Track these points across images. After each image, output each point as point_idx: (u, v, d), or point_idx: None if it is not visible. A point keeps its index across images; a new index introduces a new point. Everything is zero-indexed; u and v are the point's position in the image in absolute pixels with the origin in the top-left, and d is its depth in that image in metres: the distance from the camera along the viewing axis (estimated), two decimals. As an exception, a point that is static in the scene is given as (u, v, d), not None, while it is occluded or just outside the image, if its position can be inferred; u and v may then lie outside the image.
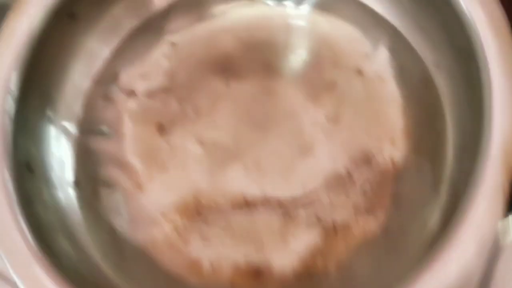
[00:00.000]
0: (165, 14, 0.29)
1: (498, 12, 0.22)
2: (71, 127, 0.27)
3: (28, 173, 0.24)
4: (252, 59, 0.29)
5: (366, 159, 0.26)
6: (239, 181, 0.26)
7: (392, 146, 0.26)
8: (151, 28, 0.29)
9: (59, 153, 0.26)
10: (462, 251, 0.19)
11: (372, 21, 0.28)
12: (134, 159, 0.27)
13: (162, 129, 0.27)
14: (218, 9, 0.29)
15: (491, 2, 0.22)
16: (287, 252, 0.25)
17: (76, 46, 0.27)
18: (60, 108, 0.26)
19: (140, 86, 0.28)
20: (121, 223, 0.26)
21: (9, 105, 0.23)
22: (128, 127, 0.27)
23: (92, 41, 0.28)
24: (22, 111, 0.24)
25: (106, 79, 0.28)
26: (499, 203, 0.19)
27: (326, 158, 0.26)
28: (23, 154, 0.24)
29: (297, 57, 0.29)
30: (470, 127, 0.23)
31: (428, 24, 0.26)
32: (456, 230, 0.19)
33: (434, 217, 0.24)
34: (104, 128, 0.27)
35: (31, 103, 0.24)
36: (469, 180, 0.21)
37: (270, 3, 0.29)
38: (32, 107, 0.25)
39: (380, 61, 0.28)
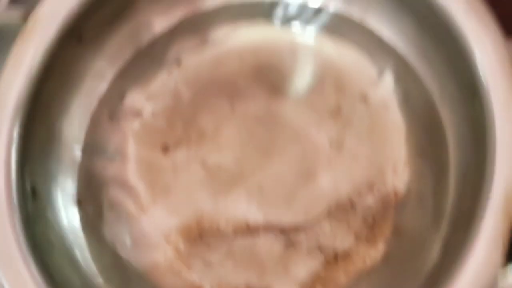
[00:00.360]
0: (170, 36, 0.29)
1: (505, 53, 0.22)
2: (76, 149, 0.27)
3: (32, 196, 0.24)
4: (257, 82, 0.29)
5: (368, 187, 0.26)
6: (241, 206, 0.27)
7: (395, 175, 0.26)
8: (156, 50, 0.29)
9: (63, 174, 0.26)
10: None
11: (379, 47, 0.28)
12: (137, 181, 0.27)
13: (166, 151, 0.28)
14: (223, 31, 0.29)
15: (498, 41, 0.22)
16: (288, 279, 0.25)
17: (83, 68, 0.27)
18: (66, 130, 0.27)
19: (145, 107, 0.28)
20: (124, 246, 0.26)
21: (16, 131, 0.23)
22: (132, 149, 0.28)
23: (99, 62, 0.28)
24: (28, 135, 0.24)
25: (112, 100, 0.28)
26: (498, 252, 0.19)
27: (329, 185, 0.26)
28: (28, 180, 0.24)
29: (302, 81, 0.29)
30: (472, 166, 0.23)
31: (434, 54, 0.26)
32: (453, 276, 0.19)
33: (434, 249, 0.24)
34: (109, 149, 0.27)
35: (37, 127, 0.25)
36: (469, 224, 0.21)
37: (277, 23, 0.29)
38: (38, 131, 0.25)
39: (385, 87, 0.28)
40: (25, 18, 0.24)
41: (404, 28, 0.27)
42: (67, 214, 0.26)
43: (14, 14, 0.25)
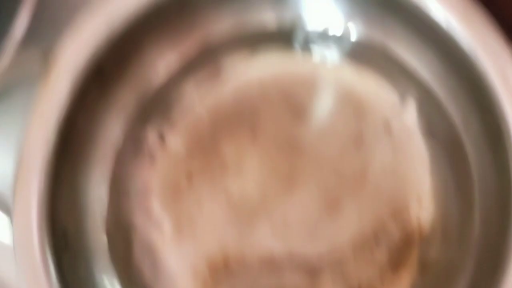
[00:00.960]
0: (188, 68, 0.29)
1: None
2: (103, 185, 0.27)
3: (63, 237, 0.25)
4: (279, 110, 0.28)
5: (393, 219, 0.26)
6: (266, 238, 0.27)
7: (419, 207, 0.26)
8: (174, 82, 0.29)
9: (92, 211, 0.27)
10: None
11: (401, 74, 0.28)
12: (163, 214, 0.27)
13: (190, 182, 0.28)
14: (241, 58, 0.29)
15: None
16: (314, 311, 0.26)
17: (106, 104, 0.27)
18: (93, 167, 0.27)
19: (168, 139, 0.28)
20: (152, 277, 0.27)
21: (45, 178, 0.23)
22: (157, 181, 0.28)
23: (120, 96, 0.28)
24: (57, 181, 0.24)
25: (135, 133, 0.28)
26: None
27: (353, 216, 0.27)
28: (60, 226, 0.24)
29: (324, 108, 0.29)
30: (497, 203, 0.23)
31: (458, 87, 0.26)
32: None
33: (461, 285, 0.24)
34: (134, 182, 0.28)
35: (65, 170, 0.25)
36: (496, 261, 0.21)
37: (297, 50, 0.29)
38: (66, 175, 0.25)
39: (408, 116, 0.28)
40: (45, 58, 0.24)
41: (427, 58, 0.27)
42: (96, 245, 0.27)
43: (33, 54, 0.25)
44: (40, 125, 0.23)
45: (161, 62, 0.28)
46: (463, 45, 0.24)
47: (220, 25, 0.28)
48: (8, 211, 0.24)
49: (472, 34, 0.24)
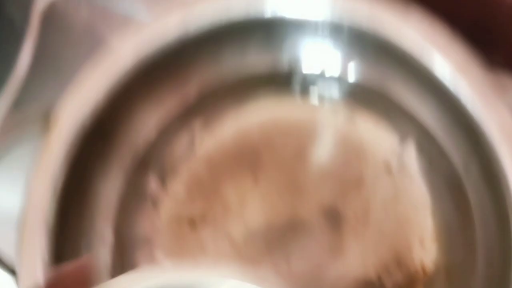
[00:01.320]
0: (189, 113, 0.29)
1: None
2: (108, 235, 0.27)
3: None
4: (279, 153, 0.29)
5: (396, 262, 0.26)
6: (270, 283, 0.27)
7: (422, 250, 0.26)
8: (175, 127, 0.29)
9: (97, 262, 0.27)
10: None
11: (400, 115, 0.28)
12: (167, 261, 0.27)
13: (193, 227, 0.28)
14: (240, 103, 0.29)
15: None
16: None
17: (108, 152, 0.27)
18: (97, 218, 0.27)
19: (169, 184, 0.28)
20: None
21: (50, 236, 0.23)
22: (161, 227, 0.28)
23: (121, 144, 0.28)
24: (61, 238, 0.24)
25: (137, 178, 0.28)
26: None
27: (356, 260, 0.27)
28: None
29: (324, 150, 0.29)
30: (498, 247, 0.23)
31: (455, 127, 0.26)
32: None
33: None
34: (138, 230, 0.28)
35: (69, 225, 0.25)
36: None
37: (295, 93, 0.29)
38: (70, 230, 0.25)
39: (408, 157, 0.28)
40: (45, 117, 0.24)
41: (426, 101, 0.27)
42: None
43: (34, 113, 0.25)
44: (42, 183, 0.23)
45: (160, 110, 0.28)
46: (463, 99, 0.24)
47: (218, 70, 0.28)
48: (12, 272, 0.25)
49: (473, 91, 0.24)
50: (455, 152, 0.26)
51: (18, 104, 0.25)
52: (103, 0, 0.29)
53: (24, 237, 0.23)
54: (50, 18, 0.28)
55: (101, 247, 0.27)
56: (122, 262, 0.27)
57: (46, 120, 0.24)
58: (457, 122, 0.25)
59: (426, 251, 0.26)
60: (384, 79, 0.28)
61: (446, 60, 0.24)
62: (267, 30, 0.27)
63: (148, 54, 0.25)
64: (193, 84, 0.29)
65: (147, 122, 0.28)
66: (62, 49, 0.28)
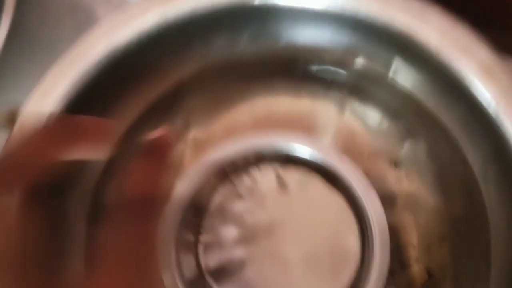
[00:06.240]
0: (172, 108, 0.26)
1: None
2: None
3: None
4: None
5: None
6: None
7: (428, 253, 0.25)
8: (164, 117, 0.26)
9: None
10: None
11: (405, 108, 0.25)
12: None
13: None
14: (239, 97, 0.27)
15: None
16: None
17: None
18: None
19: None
20: None
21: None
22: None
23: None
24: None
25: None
26: None
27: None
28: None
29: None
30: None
31: (475, 130, 0.23)
32: None
33: None
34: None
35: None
36: None
37: (292, 84, 0.27)
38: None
39: (417, 154, 0.26)
40: (10, 111, 0.22)
41: (444, 101, 0.24)
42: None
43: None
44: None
45: (141, 104, 0.26)
46: (484, 101, 0.22)
47: (208, 62, 0.26)
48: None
49: (497, 94, 0.21)
50: (472, 156, 0.24)
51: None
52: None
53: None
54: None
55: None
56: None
57: (11, 114, 0.21)
58: (477, 124, 0.23)
59: (433, 255, 0.24)
60: (389, 71, 0.25)
61: (467, 59, 0.21)
62: (259, 19, 0.24)
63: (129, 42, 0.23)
64: (173, 78, 0.26)
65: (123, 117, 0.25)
66: (41, 28, 0.25)
